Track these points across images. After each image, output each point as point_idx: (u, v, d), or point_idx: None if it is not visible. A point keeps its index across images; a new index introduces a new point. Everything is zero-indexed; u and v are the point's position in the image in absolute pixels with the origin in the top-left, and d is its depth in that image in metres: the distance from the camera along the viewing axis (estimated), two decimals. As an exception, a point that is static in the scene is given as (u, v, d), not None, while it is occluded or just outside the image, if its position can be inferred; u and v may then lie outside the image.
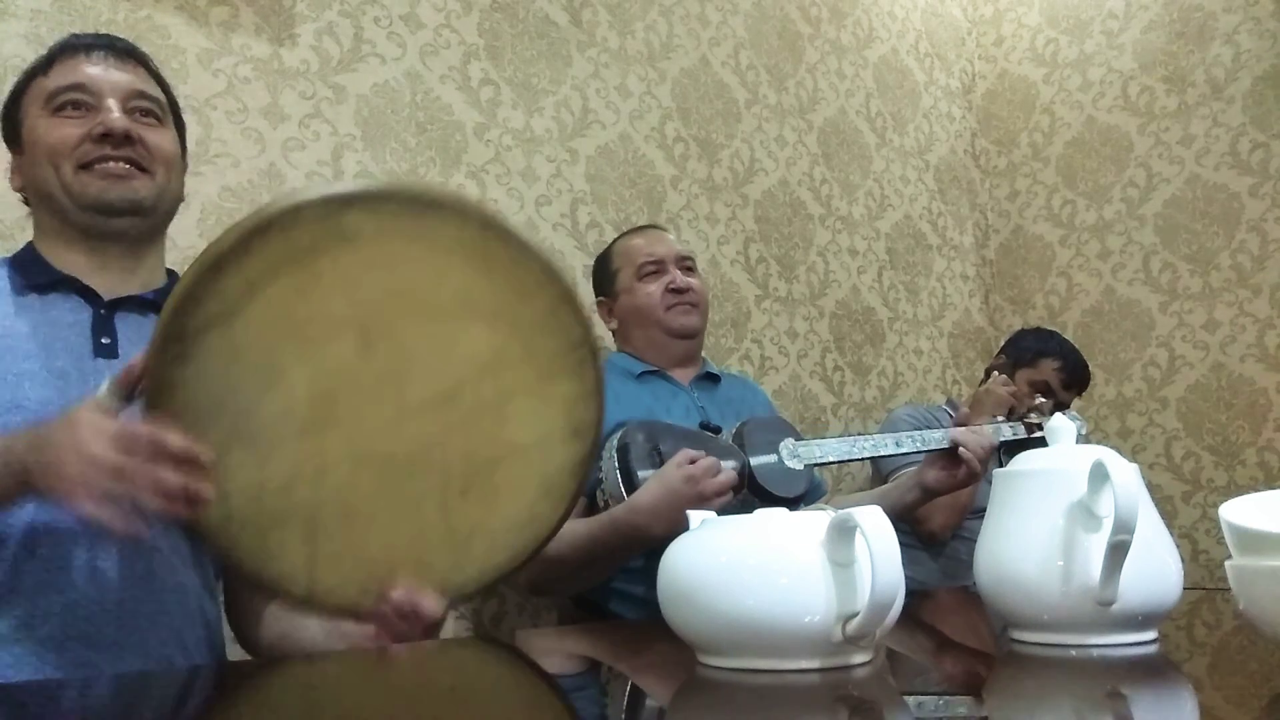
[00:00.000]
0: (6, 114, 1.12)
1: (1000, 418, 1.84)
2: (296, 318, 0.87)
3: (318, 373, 0.88)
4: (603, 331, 1.84)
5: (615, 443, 1.44)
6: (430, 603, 0.91)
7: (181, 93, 1.54)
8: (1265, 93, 2.67)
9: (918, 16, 3.07)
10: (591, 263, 1.90)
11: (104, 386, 0.87)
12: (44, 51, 1.12)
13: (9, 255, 1.12)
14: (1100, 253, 2.93)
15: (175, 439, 0.82)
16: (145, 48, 1.51)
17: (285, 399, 0.87)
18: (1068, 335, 2.56)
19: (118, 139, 1.05)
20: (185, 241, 1.53)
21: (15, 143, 1.11)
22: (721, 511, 0.83)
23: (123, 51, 1.12)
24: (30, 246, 1.11)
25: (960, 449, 1.53)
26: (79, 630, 0.96)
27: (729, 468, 1.38)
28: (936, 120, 3.07)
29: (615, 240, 1.82)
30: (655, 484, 1.35)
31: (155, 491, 0.81)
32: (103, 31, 1.41)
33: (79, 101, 1.06)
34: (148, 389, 0.85)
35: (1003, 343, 2.48)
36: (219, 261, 0.84)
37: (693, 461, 1.33)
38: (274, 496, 0.88)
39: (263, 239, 0.84)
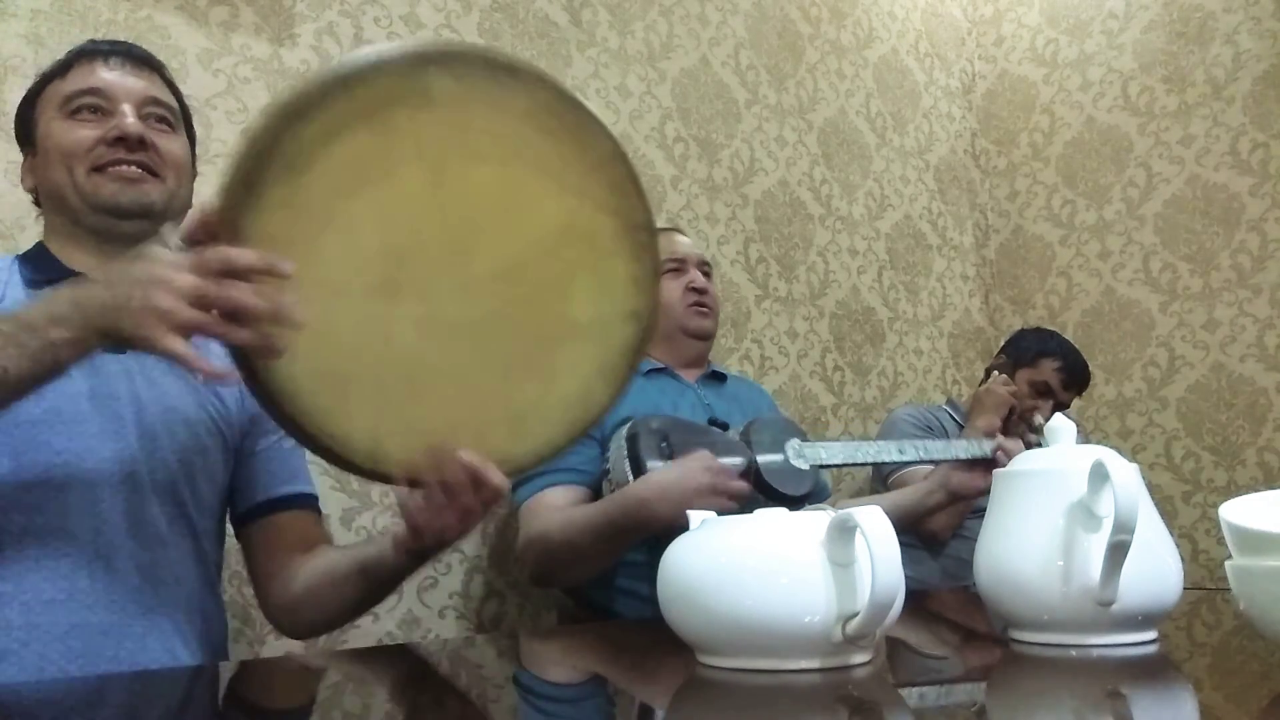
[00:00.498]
0: (21, 115, 1.14)
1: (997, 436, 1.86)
2: (370, 175, 0.86)
3: (388, 232, 0.87)
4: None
5: (625, 433, 1.45)
6: (495, 473, 0.91)
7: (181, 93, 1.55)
8: (1265, 93, 2.67)
9: (918, 16, 3.07)
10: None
11: (171, 234, 0.85)
12: (43, 51, 1.13)
13: (19, 254, 1.12)
14: (1100, 253, 2.93)
15: (252, 254, 0.79)
16: (145, 48, 1.52)
17: (355, 254, 0.86)
18: (1068, 335, 2.56)
19: (131, 143, 1.07)
20: (185, 241, 1.53)
21: (29, 144, 1.13)
22: (722, 511, 0.83)
23: (139, 59, 1.14)
24: (40, 245, 1.12)
25: (1001, 457, 1.56)
26: (81, 619, 0.96)
27: (737, 464, 1.40)
28: (936, 120, 3.07)
29: None
30: (675, 466, 1.37)
31: (238, 313, 0.78)
32: (106, 34, 1.42)
33: (95, 106, 1.08)
34: (217, 235, 0.82)
35: (1003, 343, 2.48)
36: (295, 111, 0.82)
37: (717, 461, 1.36)
38: (342, 355, 0.86)
39: (345, 91, 0.83)
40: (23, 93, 1.24)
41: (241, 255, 0.79)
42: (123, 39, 1.46)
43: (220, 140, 1.59)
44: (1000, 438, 1.62)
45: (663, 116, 2.26)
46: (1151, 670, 0.72)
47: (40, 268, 1.09)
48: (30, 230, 1.37)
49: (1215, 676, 0.73)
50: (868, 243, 2.75)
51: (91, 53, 1.12)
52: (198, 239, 0.82)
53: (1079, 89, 3.01)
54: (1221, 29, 2.75)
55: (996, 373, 2.24)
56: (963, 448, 1.62)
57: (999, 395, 2.13)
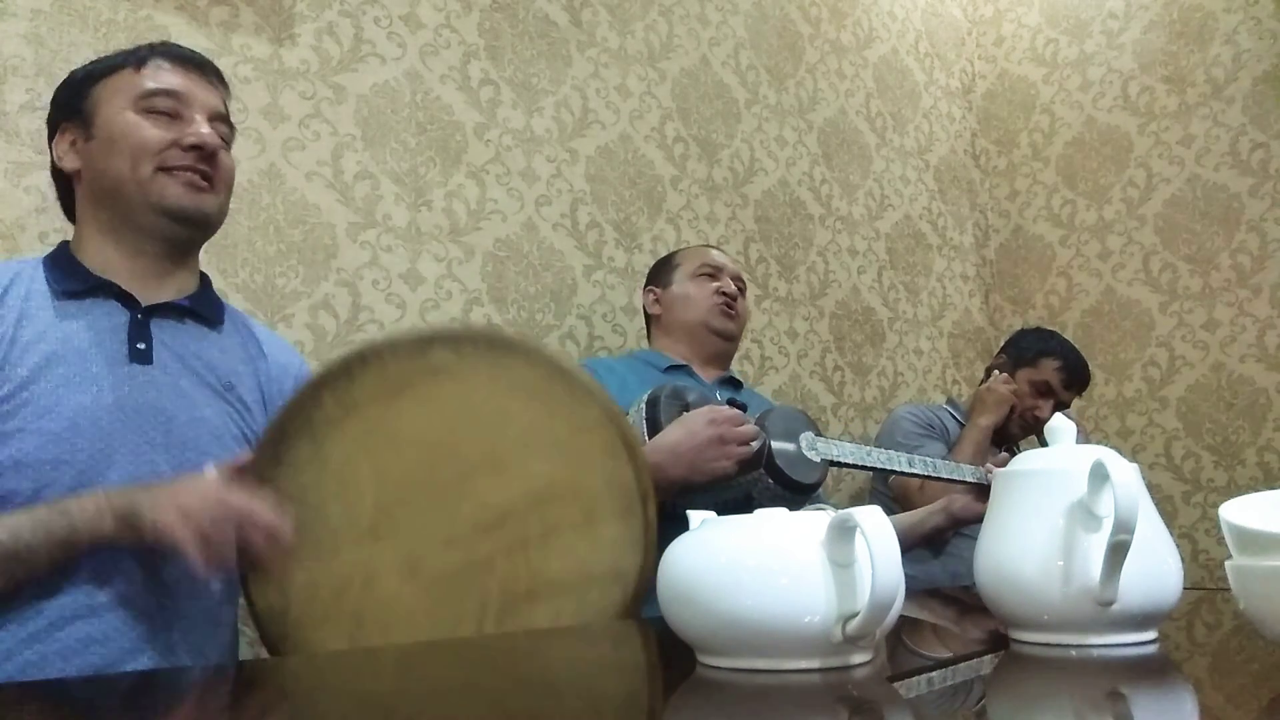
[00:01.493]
0: (74, 90, 1.11)
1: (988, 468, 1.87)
2: (377, 437, 0.98)
3: (385, 486, 0.97)
4: (622, 337, 1.84)
5: (645, 397, 1.45)
6: None
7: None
8: (1265, 93, 2.67)
9: (918, 16, 3.07)
10: (591, 263, 1.94)
11: (211, 467, 0.97)
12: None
13: (44, 256, 1.12)
14: (1100, 253, 2.93)
15: (266, 511, 0.93)
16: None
17: (353, 507, 0.96)
18: (1068, 335, 2.56)
19: (205, 153, 1.08)
20: (185, 241, 1.53)
21: (78, 123, 1.10)
22: (722, 511, 0.83)
23: (213, 73, 1.15)
24: (65, 248, 1.11)
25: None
26: (101, 633, 0.96)
27: (742, 416, 1.41)
28: (936, 120, 3.07)
29: (683, 248, 1.93)
30: (677, 426, 1.37)
31: (240, 543, 0.91)
32: (106, 34, 1.42)
33: (172, 110, 1.09)
34: (248, 481, 0.96)
35: (1003, 343, 2.48)
36: (323, 382, 0.98)
37: (717, 409, 1.37)
38: (327, 596, 0.95)
39: (362, 367, 0.98)
40: (23, 93, 1.25)
41: (259, 510, 0.93)
42: (122, 39, 1.46)
43: (220, 140, 1.59)
44: (997, 470, 1.63)
45: (663, 116, 2.26)
46: (1151, 670, 0.72)
47: (68, 276, 1.07)
48: (31, 230, 1.37)
49: (1215, 676, 0.73)
50: (868, 243, 2.75)
51: (170, 54, 1.12)
52: (231, 479, 0.96)
53: (1079, 89, 3.01)
54: (1221, 29, 2.75)
55: (997, 372, 2.24)
56: (969, 473, 1.64)
57: (1000, 393, 2.13)
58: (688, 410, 1.43)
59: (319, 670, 0.83)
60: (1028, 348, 2.30)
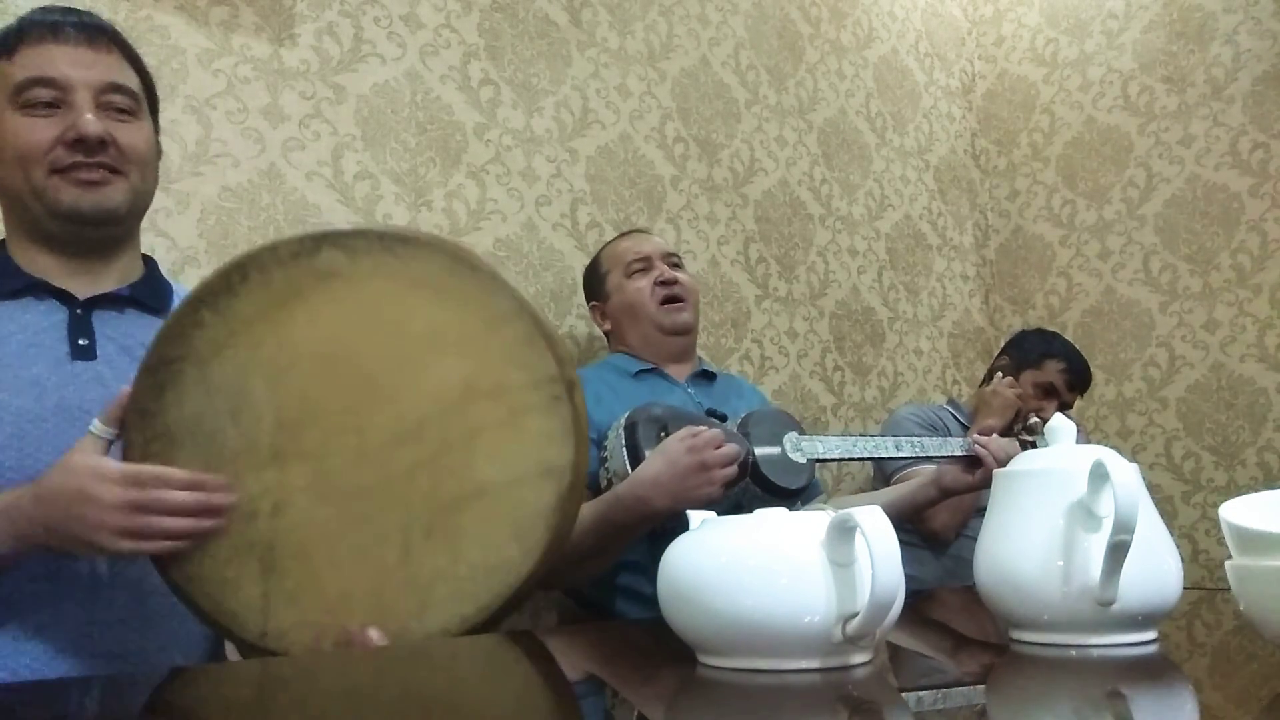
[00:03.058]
0: None
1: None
2: (269, 351, 0.90)
3: (284, 404, 0.89)
4: (596, 337, 1.84)
5: (623, 422, 1.44)
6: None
7: (181, 92, 1.55)
8: (1265, 93, 2.67)
9: (918, 16, 3.07)
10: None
11: (96, 421, 0.89)
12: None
13: None
14: (1100, 253, 2.93)
15: (179, 472, 0.86)
16: (145, 48, 1.51)
17: (251, 429, 0.89)
18: (1068, 335, 2.57)
19: (92, 145, 0.99)
20: (185, 241, 1.53)
21: None
22: (721, 510, 0.83)
23: (94, 30, 1.03)
24: (1, 247, 1.07)
25: (979, 451, 1.57)
26: (82, 633, 0.95)
27: (716, 434, 1.38)
28: (936, 120, 3.07)
29: (603, 247, 1.85)
30: (658, 456, 1.35)
31: (170, 520, 0.85)
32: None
33: (52, 98, 0.99)
34: (127, 416, 0.89)
35: (1003, 344, 2.48)
36: (200, 299, 0.90)
37: (695, 435, 1.34)
38: (234, 528, 0.88)
39: (242, 277, 0.90)
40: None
41: (172, 474, 0.86)
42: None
43: (220, 140, 1.59)
44: (979, 437, 1.63)
45: (663, 116, 2.26)
46: (1151, 670, 0.72)
47: (1, 277, 1.03)
48: None
49: (1215, 676, 0.73)
50: (868, 243, 2.75)
51: (41, 25, 1.01)
52: (119, 422, 0.89)
53: (1079, 89, 3.01)
54: (1221, 29, 2.75)
55: (1000, 374, 2.24)
56: (957, 444, 1.63)
57: (1006, 396, 2.13)
58: (666, 432, 1.41)
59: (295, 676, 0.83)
60: (1031, 349, 2.30)
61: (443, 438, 0.90)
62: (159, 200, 1.50)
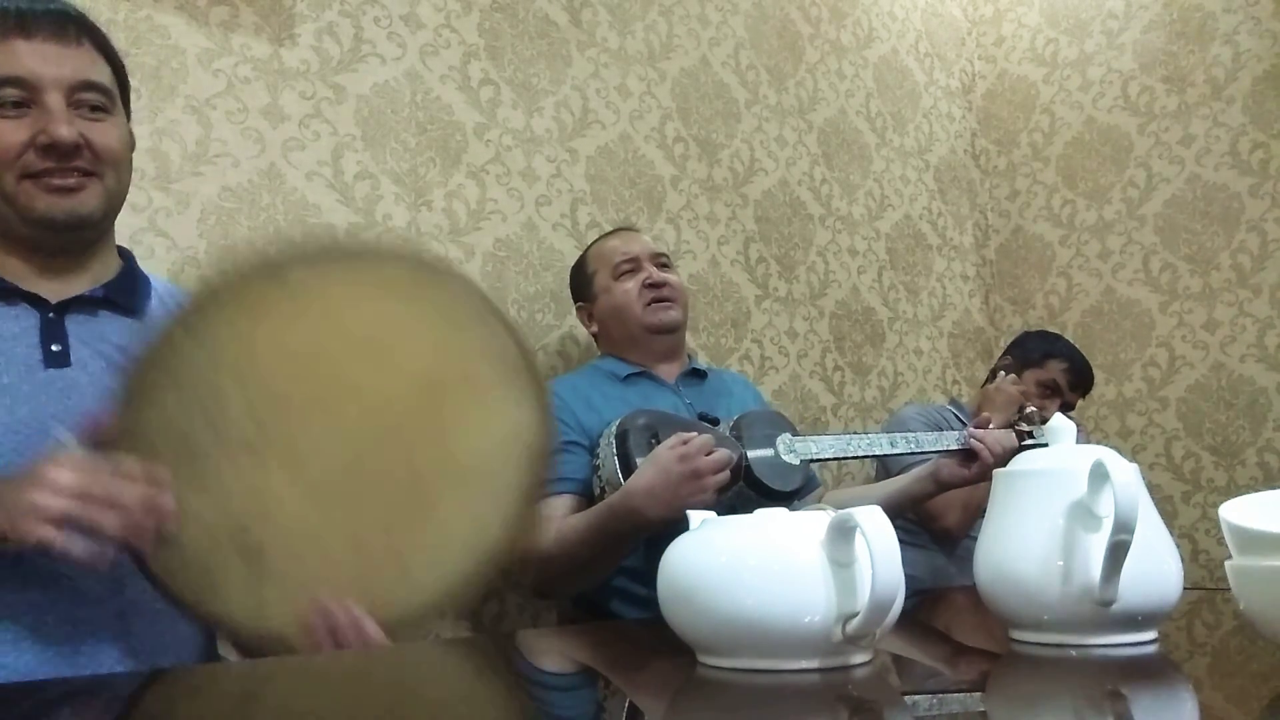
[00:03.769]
0: None
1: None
2: (238, 354, 0.92)
3: (256, 399, 0.91)
4: (581, 341, 1.84)
5: (614, 430, 1.44)
6: (372, 628, 0.88)
7: (181, 92, 1.55)
8: (1265, 93, 2.67)
9: (918, 16, 3.07)
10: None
11: (67, 434, 0.87)
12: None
13: None
14: (1100, 253, 2.93)
15: (132, 463, 0.84)
16: (145, 48, 1.52)
17: (224, 425, 0.90)
18: (1067, 335, 2.57)
19: (65, 150, 0.96)
20: (185, 241, 1.53)
21: None
22: (720, 510, 0.83)
23: (62, 21, 0.99)
24: None
25: (974, 444, 1.56)
26: (72, 626, 0.94)
27: (707, 440, 1.37)
28: (936, 120, 3.07)
29: (589, 246, 1.84)
30: (649, 466, 1.35)
31: (117, 510, 0.82)
32: (105, 33, 1.36)
33: (22, 98, 0.96)
34: (106, 439, 0.89)
35: (1005, 344, 2.49)
36: (175, 322, 0.92)
37: (685, 442, 1.34)
38: (217, 526, 0.89)
39: (214, 300, 0.92)
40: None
41: (123, 465, 0.84)
42: (122, 39, 1.46)
43: (220, 140, 1.59)
44: (974, 430, 1.61)
45: (663, 116, 2.26)
46: (1151, 670, 0.72)
47: None
48: None
49: (1215, 676, 0.73)
50: (868, 243, 2.75)
51: (5, 18, 0.97)
52: (90, 442, 0.87)
53: (1079, 89, 3.01)
54: (1221, 29, 2.75)
55: (1003, 373, 2.25)
56: (953, 438, 1.62)
57: (1009, 393, 2.14)
58: (657, 439, 1.40)
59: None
60: (1033, 349, 2.32)
61: (416, 426, 0.94)
62: (159, 200, 1.51)
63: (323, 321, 0.94)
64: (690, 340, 2.05)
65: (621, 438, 1.42)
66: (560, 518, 1.47)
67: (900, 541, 0.65)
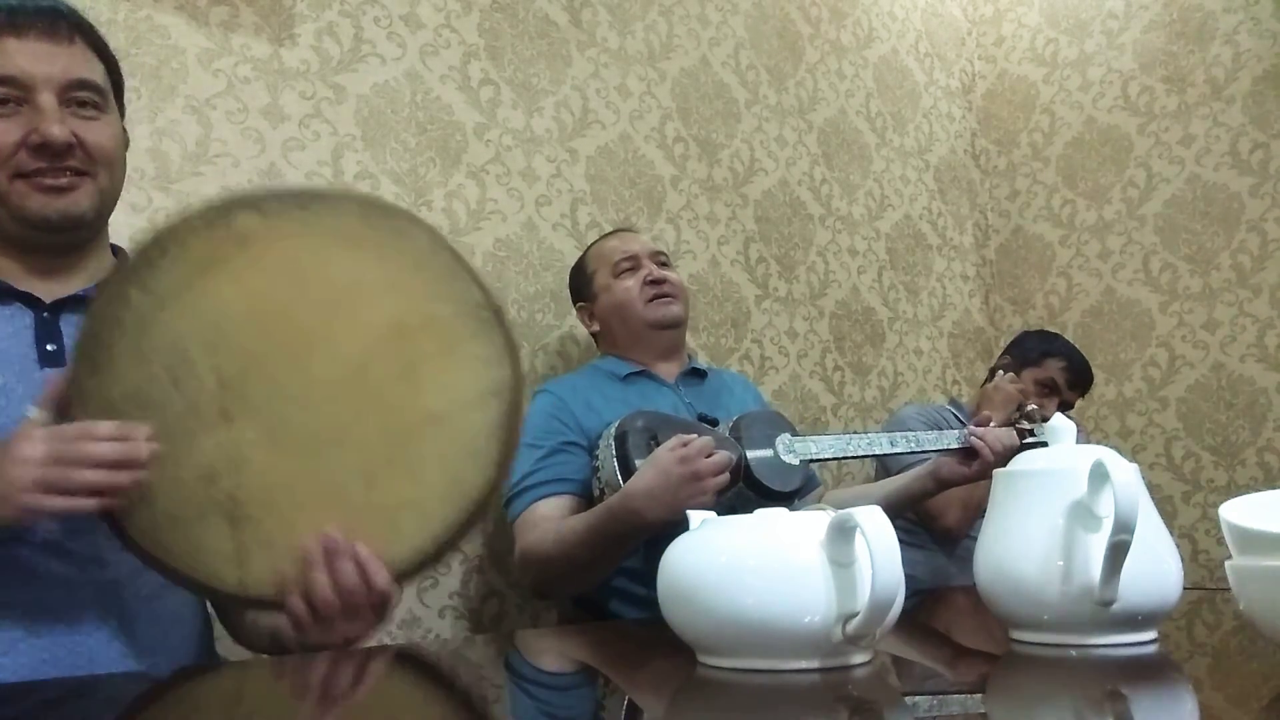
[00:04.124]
0: None
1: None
2: (199, 316, 0.91)
3: (223, 363, 0.91)
4: (579, 342, 1.84)
5: (613, 431, 1.44)
6: (380, 571, 0.88)
7: (181, 92, 1.55)
8: (1265, 93, 2.67)
9: (918, 16, 3.07)
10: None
11: (34, 408, 0.87)
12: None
13: None
14: (1100, 253, 2.93)
15: (104, 425, 0.84)
16: (145, 48, 1.52)
17: (194, 392, 0.90)
18: (1067, 335, 2.57)
19: (58, 149, 0.96)
20: (185, 241, 1.53)
21: None
22: (720, 510, 0.83)
23: (54, 18, 0.99)
24: None
25: (975, 442, 1.55)
26: (70, 617, 0.94)
27: (708, 441, 1.37)
28: (936, 120, 3.07)
29: (588, 248, 1.84)
30: (649, 468, 1.34)
31: (92, 471, 0.82)
32: (105, 34, 1.34)
33: (13, 97, 0.96)
34: (68, 401, 0.88)
35: (1004, 344, 2.49)
36: (123, 278, 0.90)
37: (686, 444, 1.33)
38: (195, 490, 0.89)
39: (161, 252, 0.91)
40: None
41: (96, 427, 0.84)
42: (122, 39, 1.46)
43: (220, 140, 1.59)
44: (975, 428, 1.60)
45: (663, 116, 2.26)
46: (1151, 670, 0.72)
47: None
48: None
49: (1215, 676, 0.73)
50: (868, 243, 2.75)
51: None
52: (58, 410, 0.87)
53: (1079, 89, 3.01)
54: (1221, 29, 2.75)
55: (1002, 372, 2.25)
56: (953, 436, 1.62)
57: (1007, 392, 2.14)
58: (656, 441, 1.40)
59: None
60: (1032, 348, 2.32)
61: (385, 374, 0.93)
62: (159, 200, 1.51)
63: (280, 274, 0.93)
64: (690, 340, 2.05)
65: (620, 439, 1.42)
66: (560, 519, 1.47)
67: (900, 541, 0.65)
